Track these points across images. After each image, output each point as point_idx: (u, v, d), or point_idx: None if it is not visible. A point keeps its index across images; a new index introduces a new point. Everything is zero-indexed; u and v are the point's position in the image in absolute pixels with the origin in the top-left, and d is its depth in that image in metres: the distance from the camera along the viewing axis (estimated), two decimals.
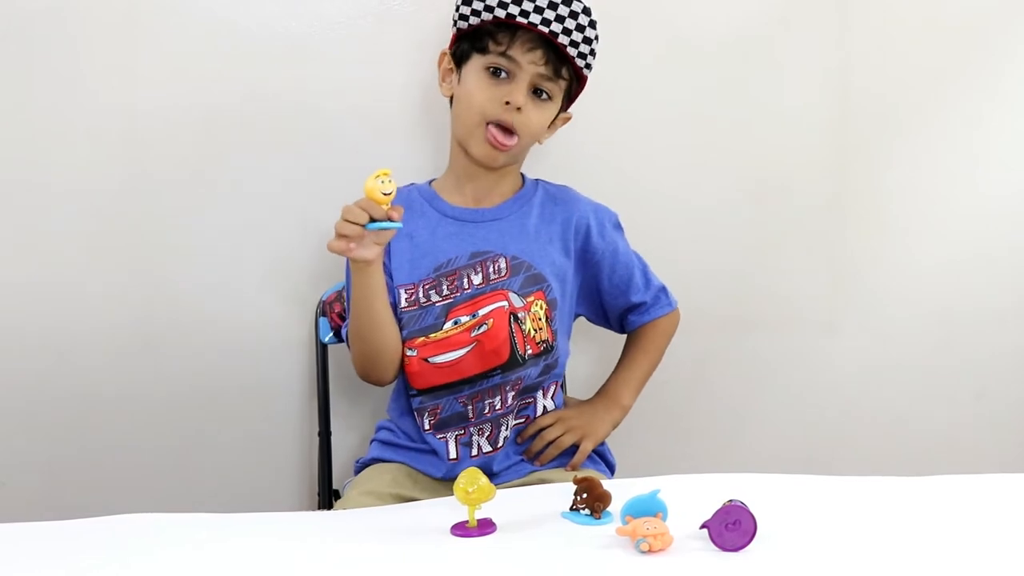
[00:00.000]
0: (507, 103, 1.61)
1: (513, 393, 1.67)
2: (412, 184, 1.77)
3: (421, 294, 1.66)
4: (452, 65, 1.70)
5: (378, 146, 1.89)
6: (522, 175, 1.77)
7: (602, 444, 1.78)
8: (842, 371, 2.17)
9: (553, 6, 1.60)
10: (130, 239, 1.88)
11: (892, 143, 2.09)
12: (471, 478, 1.25)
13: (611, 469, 1.79)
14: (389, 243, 1.61)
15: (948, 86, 2.09)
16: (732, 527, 1.18)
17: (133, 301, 1.89)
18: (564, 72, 1.65)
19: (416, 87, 1.89)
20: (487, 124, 1.63)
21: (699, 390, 2.11)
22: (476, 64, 1.65)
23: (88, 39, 1.81)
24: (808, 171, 2.09)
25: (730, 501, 1.21)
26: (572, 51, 1.63)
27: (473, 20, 1.64)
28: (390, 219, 1.43)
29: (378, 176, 1.41)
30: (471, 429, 1.67)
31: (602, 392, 1.82)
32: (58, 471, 1.91)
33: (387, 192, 1.41)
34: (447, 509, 1.31)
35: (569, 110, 1.75)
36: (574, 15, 1.61)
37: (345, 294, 1.69)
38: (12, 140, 1.82)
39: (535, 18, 1.59)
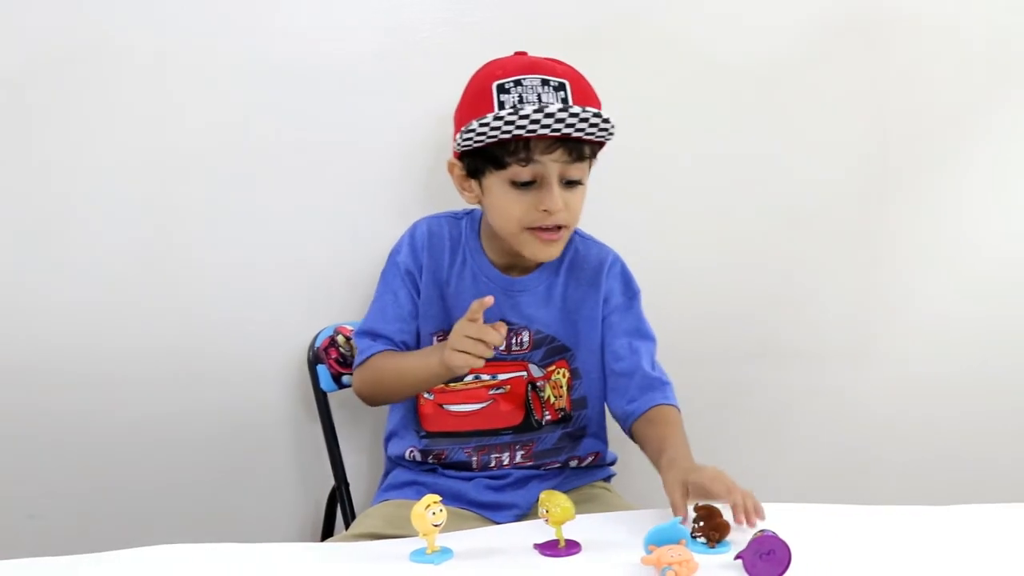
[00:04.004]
0: (544, 211, 1.53)
1: (523, 453, 1.67)
2: (466, 215, 1.71)
3: None
4: (465, 176, 1.61)
5: (405, 179, 1.91)
6: None
7: (606, 450, 1.74)
8: (872, 399, 2.16)
9: (560, 119, 1.46)
10: (160, 275, 1.88)
11: (922, 173, 2.10)
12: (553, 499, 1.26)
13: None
14: (420, 284, 1.64)
15: (979, 119, 2.10)
16: (766, 557, 1.18)
17: (165, 335, 1.89)
18: (587, 151, 1.55)
19: (447, 121, 1.89)
20: (529, 229, 1.56)
21: (728, 419, 2.10)
22: (497, 179, 1.54)
23: (129, 79, 1.82)
24: (838, 200, 2.09)
25: (762, 531, 1.20)
26: (590, 136, 1.51)
27: (479, 140, 1.51)
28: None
29: (428, 506, 1.23)
30: (476, 475, 1.67)
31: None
32: (89, 504, 1.91)
33: (437, 524, 1.24)
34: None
35: None
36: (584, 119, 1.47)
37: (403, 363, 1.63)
38: (55, 174, 1.84)
39: (544, 129, 1.47)
